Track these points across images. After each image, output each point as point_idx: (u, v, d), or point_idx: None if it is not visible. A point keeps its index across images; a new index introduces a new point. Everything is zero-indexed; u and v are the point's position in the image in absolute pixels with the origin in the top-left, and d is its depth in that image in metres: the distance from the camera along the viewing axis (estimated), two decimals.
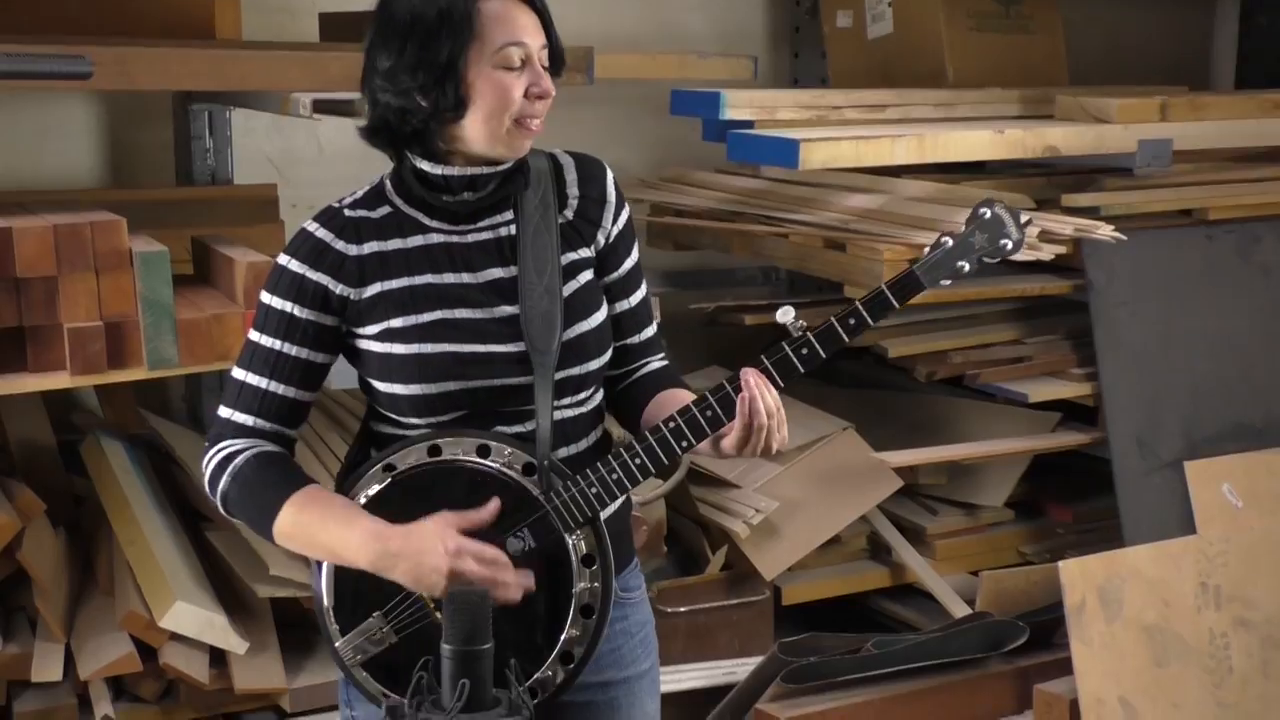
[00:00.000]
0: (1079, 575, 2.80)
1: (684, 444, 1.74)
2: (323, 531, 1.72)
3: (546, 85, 1.73)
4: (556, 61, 1.76)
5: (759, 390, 1.70)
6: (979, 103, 3.59)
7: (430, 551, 1.67)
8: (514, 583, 1.71)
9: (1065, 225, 3.11)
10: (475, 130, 1.72)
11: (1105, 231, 3.08)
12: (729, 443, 1.73)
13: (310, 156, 3.68)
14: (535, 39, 1.72)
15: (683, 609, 3.10)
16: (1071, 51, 4.02)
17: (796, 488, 3.25)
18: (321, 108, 2.69)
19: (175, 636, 2.69)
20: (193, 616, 2.66)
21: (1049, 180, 3.59)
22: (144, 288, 2.59)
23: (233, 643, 2.71)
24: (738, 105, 3.27)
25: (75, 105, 3.42)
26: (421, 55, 1.68)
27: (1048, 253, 3.02)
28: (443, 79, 1.69)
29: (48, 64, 2.42)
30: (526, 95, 1.72)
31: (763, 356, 1.73)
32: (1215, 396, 3.36)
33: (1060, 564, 2.82)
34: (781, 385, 1.73)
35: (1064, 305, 3.52)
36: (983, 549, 3.49)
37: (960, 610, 3.20)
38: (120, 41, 2.76)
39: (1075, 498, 3.62)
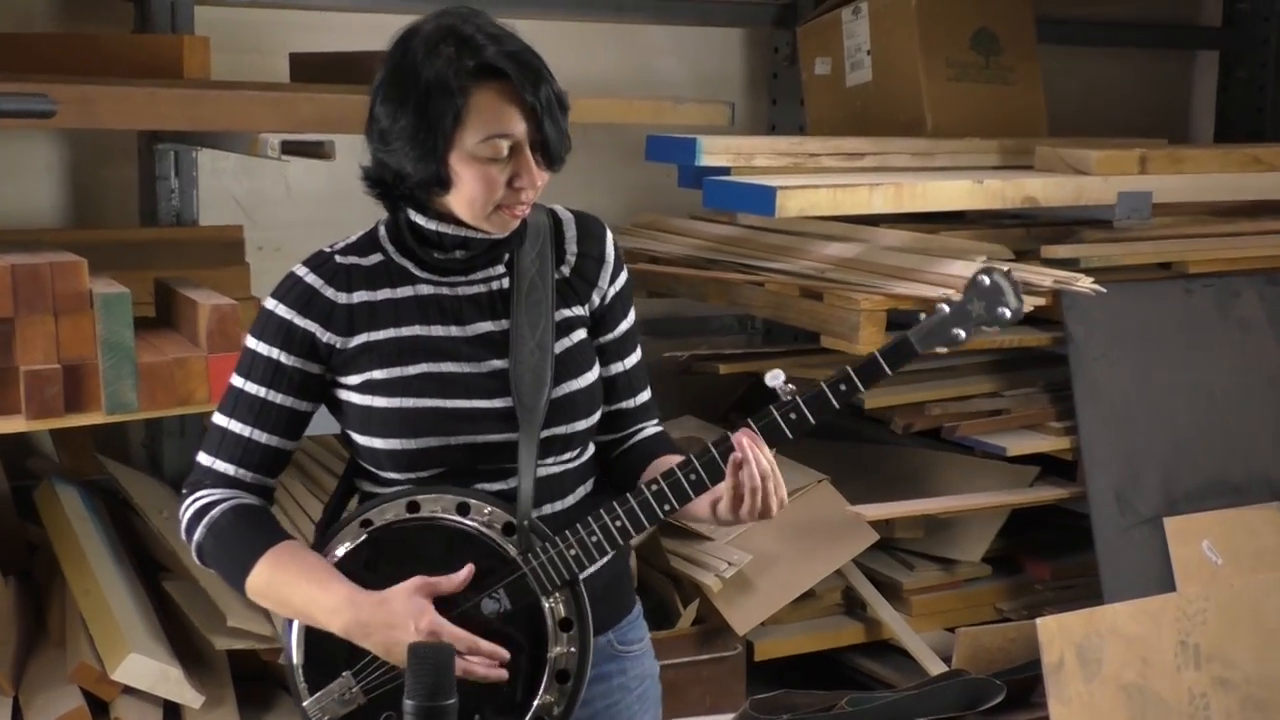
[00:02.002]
0: (1057, 633, 2.79)
1: (666, 507, 1.73)
2: (295, 592, 1.72)
3: (531, 178, 1.70)
4: (550, 156, 1.71)
5: (754, 451, 1.69)
6: (957, 152, 3.62)
7: (401, 627, 1.66)
8: (485, 672, 1.69)
9: (1044, 277, 3.13)
10: (459, 208, 1.73)
11: (1084, 284, 3.10)
12: (723, 507, 1.72)
13: (278, 198, 3.68)
14: (526, 129, 1.68)
15: None
16: (1051, 103, 4.07)
17: (770, 541, 3.24)
18: (290, 149, 2.70)
19: (128, 690, 2.66)
20: (147, 669, 2.63)
21: (1028, 231, 3.61)
22: (104, 330, 2.57)
23: (188, 696, 2.67)
24: (714, 151, 3.29)
25: (38, 144, 3.41)
26: (415, 126, 1.67)
27: (1026, 305, 3.04)
28: (427, 157, 1.68)
29: (9, 102, 2.42)
30: (510, 185, 1.70)
31: (749, 420, 1.73)
32: (1195, 452, 3.38)
33: (1038, 621, 2.81)
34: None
35: (1043, 358, 3.54)
36: (959, 605, 3.49)
37: (936, 667, 3.18)
38: (86, 80, 2.75)
39: (1053, 553, 3.62)
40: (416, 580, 1.69)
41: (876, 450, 3.72)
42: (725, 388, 3.91)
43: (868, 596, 3.40)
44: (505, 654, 1.70)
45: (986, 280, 1.77)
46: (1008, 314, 1.77)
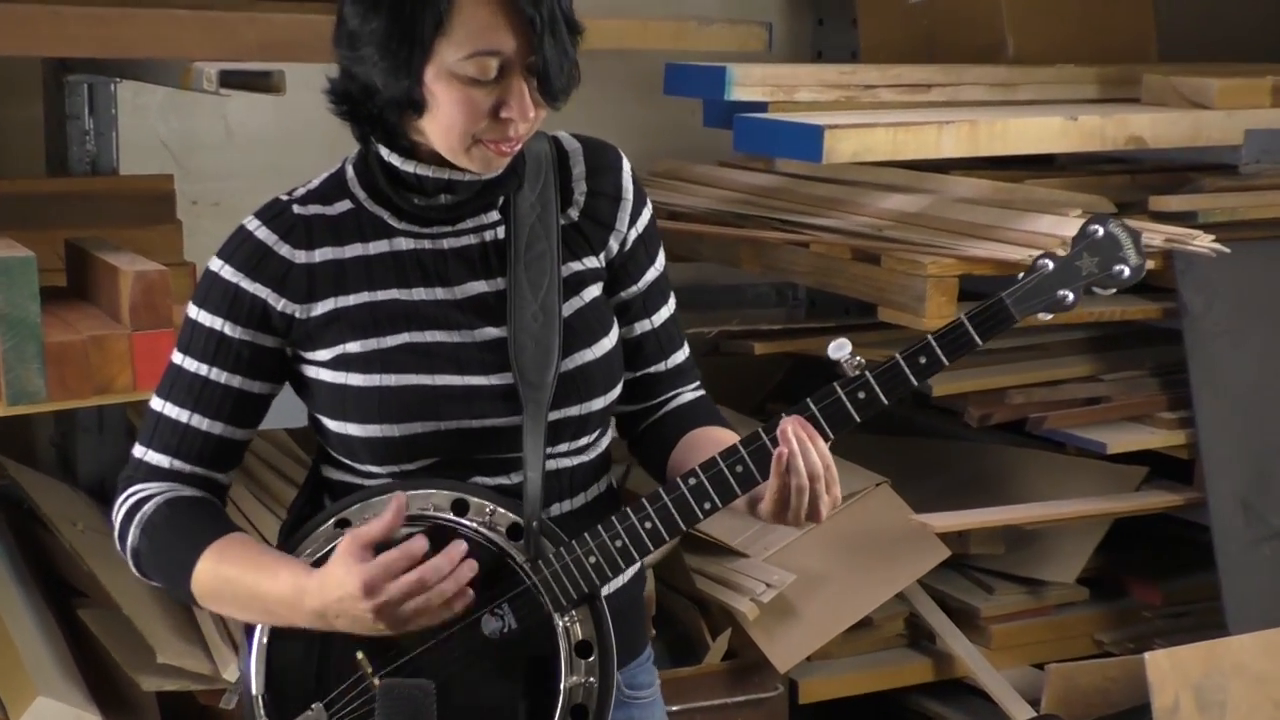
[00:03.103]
0: (1170, 670, 2.79)
1: (707, 506, 1.73)
2: (244, 588, 1.73)
3: (522, 108, 1.68)
4: (549, 87, 1.69)
5: (802, 444, 1.68)
6: (1046, 82, 3.61)
7: (349, 596, 1.66)
8: (450, 585, 1.66)
9: (1154, 235, 3.12)
10: (434, 137, 1.72)
11: (1203, 243, 3.09)
12: (765, 509, 1.72)
13: (215, 142, 3.68)
14: (521, 48, 1.67)
15: (675, 707, 3.08)
16: (1162, 20, 4.04)
17: (818, 557, 3.24)
18: (231, 81, 2.69)
19: None
20: (58, 715, 2.64)
21: (1133, 179, 3.59)
22: (4, 303, 2.57)
23: None
24: (747, 83, 3.28)
25: None
26: (388, 31, 1.66)
27: None
28: (399, 69, 1.67)
29: None
30: (496, 115, 1.69)
31: (809, 401, 1.72)
32: None
33: (1146, 656, 2.81)
34: (831, 437, 1.72)
35: (1151, 334, 3.52)
36: (1049, 636, 3.49)
37: (1022, 712, 3.18)
38: None
39: (1165, 573, 3.61)
40: (343, 544, 1.68)
41: (947, 447, 3.71)
42: (761, 371, 3.90)
43: (937, 625, 3.40)
44: (472, 573, 1.68)
45: (1099, 231, 1.76)
46: (1126, 272, 1.76)
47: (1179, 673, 2.80)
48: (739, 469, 1.72)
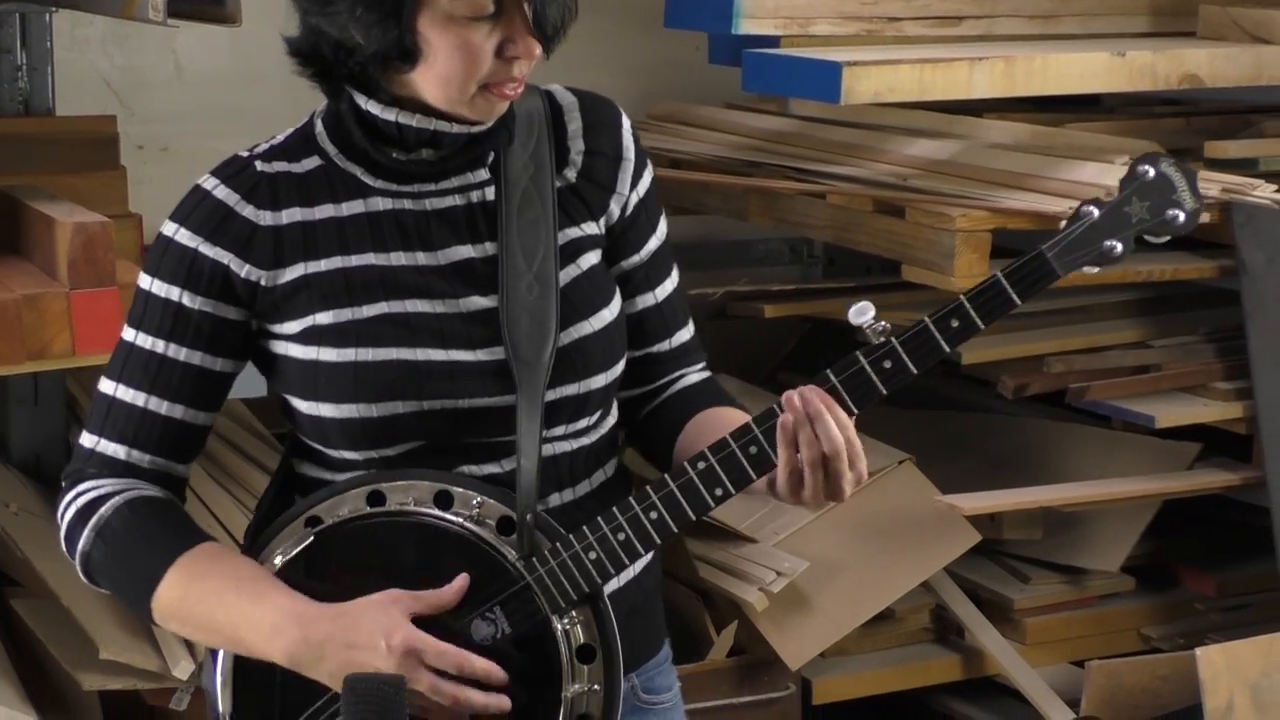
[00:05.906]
0: (1224, 668, 2.80)
1: (719, 492, 1.73)
2: (221, 608, 1.72)
3: (526, 45, 1.70)
4: (544, 25, 1.71)
5: (817, 414, 1.67)
6: (1091, 14, 3.61)
7: (368, 647, 1.66)
8: (483, 700, 1.69)
9: (1210, 185, 3.12)
10: (429, 89, 1.72)
11: (1264, 193, 3.09)
12: (780, 486, 1.71)
13: (164, 79, 3.67)
14: None
15: None
16: None
17: (834, 543, 3.25)
18: (180, 10, 2.69)
19: None
20: None
21: (1187, 122, 3.59)
22: None
23: None
24: (757, 14, 3.28)
25: None
26: None
27: None
28: (386, 20, 1.67)
29: None
30: (501, 55, 1.70)
31: (829, 373, 1.72)
32: None
33: (1198, 652, 2.83)
34: (855, 411, 1.71)
35: (1206, 294, 3.52)
36: (1091, 630, 3.50)
37: (1060, 714, 3.20)
38: None
39: (1220, 561, 3.62)
40: (392, 592, 1.69)
41: (978, 420, 3.71)
42: (772, 336, 3.90)
43: (966, 618, 3.41)
44: (503, 675, 1.71)
45: (1150, 171, 1.74)
46: (1181, 217, 1.74)
47: (1234, 671, 2.81)
48: (753, 450, 1.71)
